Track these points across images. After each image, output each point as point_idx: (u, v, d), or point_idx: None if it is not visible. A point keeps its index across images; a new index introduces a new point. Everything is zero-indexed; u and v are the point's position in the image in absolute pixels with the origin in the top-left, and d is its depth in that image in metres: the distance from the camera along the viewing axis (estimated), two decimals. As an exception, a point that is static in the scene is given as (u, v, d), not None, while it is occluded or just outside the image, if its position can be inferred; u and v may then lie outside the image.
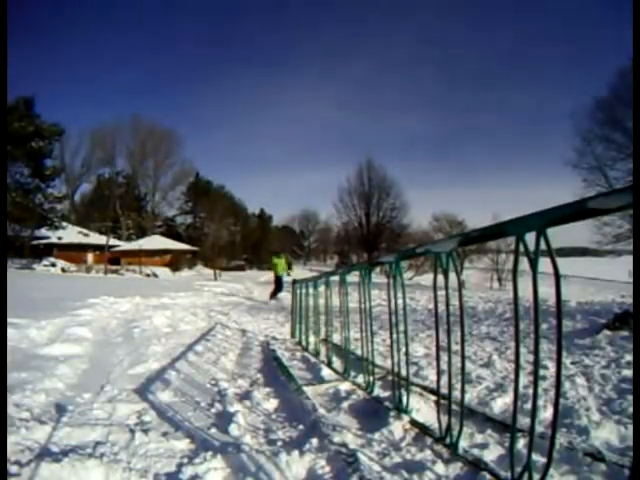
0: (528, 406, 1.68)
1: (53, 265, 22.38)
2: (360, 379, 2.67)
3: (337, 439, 1.72)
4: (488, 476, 1.43)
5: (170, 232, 41.44)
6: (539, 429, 1.69)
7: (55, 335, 4.11)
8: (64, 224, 25.17)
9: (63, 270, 22.08)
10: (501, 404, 2.31)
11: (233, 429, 1.96)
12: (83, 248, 29.55)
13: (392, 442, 1.80)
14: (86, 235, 31.12)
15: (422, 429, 1.87)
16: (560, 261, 1.18)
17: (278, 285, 9.92)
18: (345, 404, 2.32)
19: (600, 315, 5.20)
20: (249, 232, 44.56)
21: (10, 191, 19.34)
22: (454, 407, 1.66)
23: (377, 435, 1.86)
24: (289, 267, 10.39)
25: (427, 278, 19.79)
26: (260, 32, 74.17)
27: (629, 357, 3.12)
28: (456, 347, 1.72)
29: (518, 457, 1.33)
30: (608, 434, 1.85)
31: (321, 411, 2.16)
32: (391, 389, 2.25)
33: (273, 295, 9.87)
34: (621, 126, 15.44)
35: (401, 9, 69.23)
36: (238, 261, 39.36)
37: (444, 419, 1.71)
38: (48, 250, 25.89)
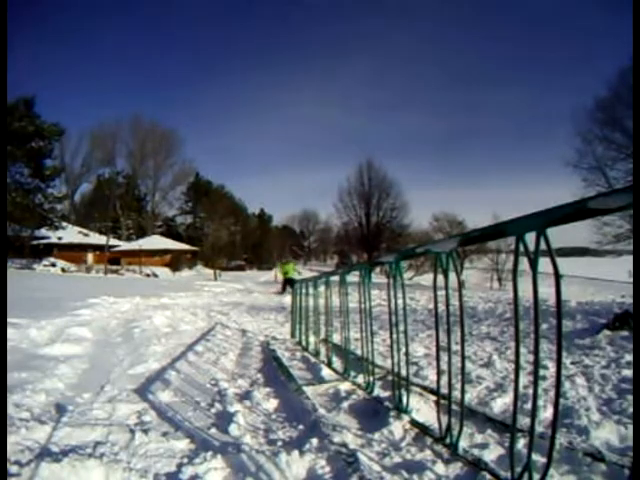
0: (528, 406, 1.67)
1: (53, 265, 22.39)
2: (360, 379, 2.67)
3: (337, 439, 1.72)
4: (488, 476, 1.43)
5: (170, 232, 41.49)
6: (539, 429, 1.69)
7: (55, 335, 4.11)
8: (64, 224, 25.16)
9: (63, 270, 22.08)
10: (501, 404, 2.31)
11: (233, 429, 1.96)
12: (83, 248, 29.57)
13: (392, 442, 1.80)
14: (86, 235, 31.14)
15: (422, 429, 1.87)
16: (560, 261, 1.18)
17: (290, 284, 12.42)
18: (345, 404, 2.32)
19: (600, 315, 5.20)
20: (249, 232, 44.56)
21: (10, 191, 19.32)
22: (454, 407, 1.66)
23: (377, 435, 1.86)
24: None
25: (427, 278, 19.79)
26: (261, 32, 74.25)
27: (629, 357, 3.12)
28: (456, 347, 1.72)
29: (518, 457, 1.33)
30: (608, 434, 1.85)
31: (321, 411, 2.16)
32: (391, 389, 2.25)
33: (283, 290, 12.77)
34: (621, 126, 15.44)
35: (402, 8, 69.18)
36: (238, 261, 39.40)
37: (444, 419, 1.71)
38: (48, 250, 25.90)
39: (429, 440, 1.77)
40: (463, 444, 1.66)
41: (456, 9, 65.02)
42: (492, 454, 1.64)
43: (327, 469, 1.54)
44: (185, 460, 1.66)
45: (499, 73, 72.27)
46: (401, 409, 2.04)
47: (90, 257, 29.59)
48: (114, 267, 26.44)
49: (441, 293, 1.78)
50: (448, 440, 1.67)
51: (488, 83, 72.14)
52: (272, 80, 76.64)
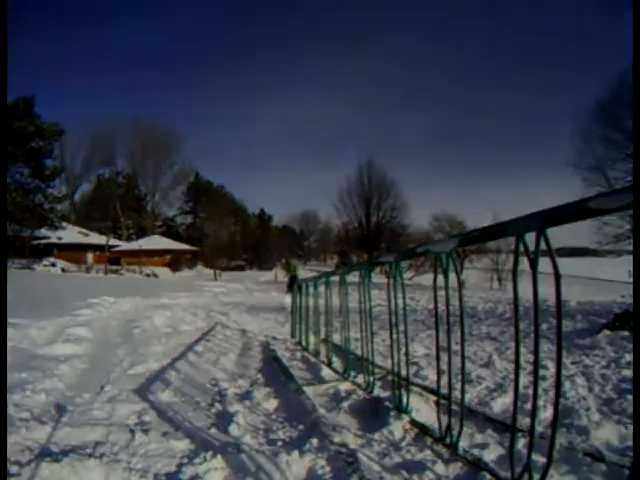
0: (528, 406, 1.68)
1: (53, 265, 22.41)
2: (360, 379, 2.67)
3: (337, 439, 1.72)
4: (488, 476, 1.43)
5: (170, 232, 41.49)
6: (539, 429, 1.69)
7: (55, 335, 4.12)
8: (64, 224, 25.14)
9: (63, 270, 22.10)
10: (501, 404, 2.31)
11: (233, 429, 1.96)
12: (83, 248, 29.56)
13: (392, 442, 1.80)
14: (86, 235, 31.14)
15: (422, 429, 1.87)
16: (560, 261, 1.18)
17: (294, 281, 12.74)
18: (345, 404, 2.32)
19: (600, 315, 5.21)
20: (249, 232, 44.52)
21: (10, 191, 19.33)
22: (454, 407, 1.66)
23: (377, 435, 1.86)
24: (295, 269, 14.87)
25: (427, 278, 19.77)
26: (262, 31, 74.31)
27: (629, 357, 3.12)
28: (456, 347, 1.72)
29: (518, 457, 1.33)
30: (608, 434, 1.85)
31: (321, 411, 2.16)
32: (391, 389, 2.25)
33: (289, 289, 12.98)
34: (621, 126, 15.44)
35: (403, 9, 69.19)
36: (238, 261, 39.39)
37: (444, 419, 1.71)
38: (48, 250, 25.90)
39: (429, 440, 1.77)
40: (463, 444, 1.66)
41: (455, 9, 64.97)
42: (492, 454, 1.64)
43: (327, 469, 1.54)
44: (185, 460, 1.66)
45: (501, 72, 72.02)
46: (401, 409, 2.04)
47: (90, 257, 29.57)
48: (114, 267, 26.44)
49: (441, 293, 1.78)
50: (448, 440, 1.67)
51: (489, 82, 71.85)
52: (273, 80, 76.69)
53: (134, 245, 32.36)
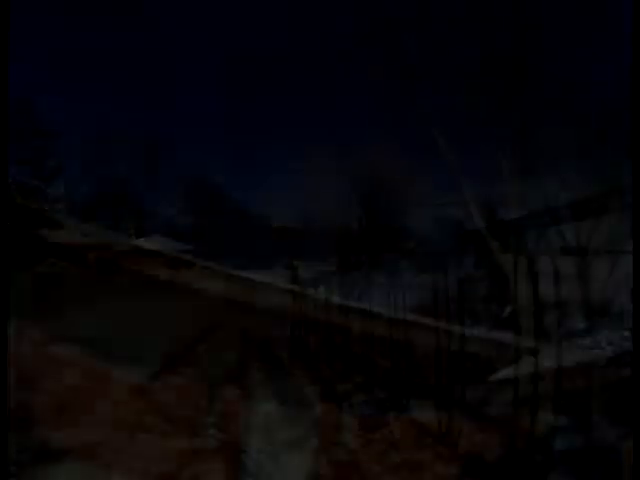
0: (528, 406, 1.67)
1: (53, 265, 22.39)
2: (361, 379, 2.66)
3: (337, 439, 1.72)
4: (488, 475, 1.43)
5: (170, 232, 41.43)
6: (539, 429, 1.69)
7: (56, 334, 4.09)
8: (64, 224, 25.14)
9: (63, 270, 22.08)
10: (502, 403, 2.30)
11: (234, 429, 1.95)
12: (83, 248, 29.59)
13: (392, 442, 1.79)
14: (86, 235, 31.15)
15: (422, 429, 1.87)
16: (560, 261, 1.18)
17: None
18: (345, 404, 2.31)
19: (600, 315, 5.19)
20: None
21: (10, 191, 19.31)
22: (454, 407, 1.66)
23: (377, 435, 1.86)
24: None
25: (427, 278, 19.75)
26: (261, 30, 74.08)
27: (628, 357, 3.12)
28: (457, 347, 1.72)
29: (518, 457, 1.33)
30: (607, 432, 1.84)
31: (321, 410, 2.16)
32: (393, 389, 2.25)
33: None
34: (622, 126, 15.44)
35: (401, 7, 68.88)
36: (238, 261, 39.38)
37: (444, 419, 1.70)
38: (48, 250, 25.90)
39: (429, 440, 1.77)
40: (463, 444, 1.65)
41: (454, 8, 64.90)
42: (492, 454, 1.64)
43: (327, 469, 1.54)
44: (185, 460, 1.65)
45: (500, 70, 71.69)
46: (401, 409, 2.04)
47: (90, 257, 29.59)
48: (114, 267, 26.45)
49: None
50: (448, 440, 1.67)
51: (488, 80, 71.64)
52: (272, 77, 76.55)
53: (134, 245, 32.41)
